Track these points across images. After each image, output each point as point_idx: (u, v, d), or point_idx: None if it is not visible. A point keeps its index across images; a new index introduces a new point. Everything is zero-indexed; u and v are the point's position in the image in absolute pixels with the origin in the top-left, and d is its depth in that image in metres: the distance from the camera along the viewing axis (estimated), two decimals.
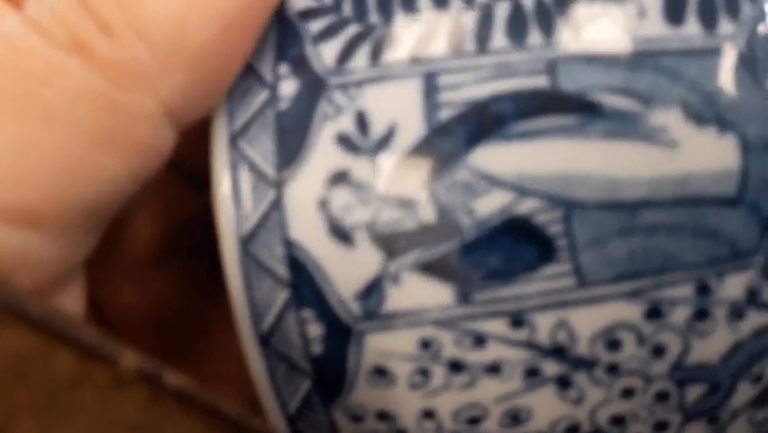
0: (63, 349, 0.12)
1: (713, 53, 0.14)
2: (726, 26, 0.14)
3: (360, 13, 0.15)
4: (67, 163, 0.14)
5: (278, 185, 0.15)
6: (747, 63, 0.14)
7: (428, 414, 0.15)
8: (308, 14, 0.16)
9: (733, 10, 0.14)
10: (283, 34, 0.16)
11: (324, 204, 0.15)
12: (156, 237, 0.18)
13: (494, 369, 0.15)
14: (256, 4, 0.15)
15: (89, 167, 0.14)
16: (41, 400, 0.12)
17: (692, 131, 0.14)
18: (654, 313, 0.14)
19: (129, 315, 0.18)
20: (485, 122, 0.14)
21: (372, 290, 0.15)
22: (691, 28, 0.14)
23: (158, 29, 0.14)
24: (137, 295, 0.18)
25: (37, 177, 0.14)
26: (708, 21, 0.14)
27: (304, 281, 0.15)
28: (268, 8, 0.15)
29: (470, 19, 0.15)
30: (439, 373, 0.15)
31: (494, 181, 0.14)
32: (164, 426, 0.13)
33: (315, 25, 0.15)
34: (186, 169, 0.18)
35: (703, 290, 0.14)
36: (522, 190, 0.14)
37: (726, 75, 0.14)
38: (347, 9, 0.15)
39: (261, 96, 0.15)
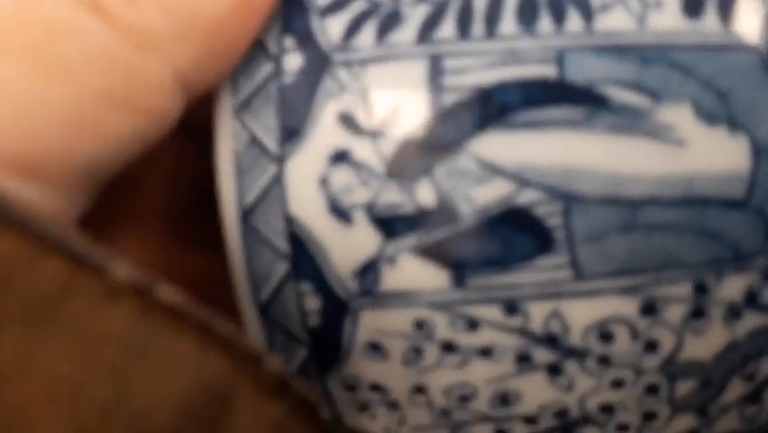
0: (51, 256, 0.12)
1: (731, 50, 0.14)
2: (747, 21, 0.14)
3: None
4: (75, 120, 0.14)
5: (280, 160, 0.15)
6: (767, 62, 0.14)
7: (420, 389, 0.15)
8: None
9: (756, 3, 0.14)
10: (289, 4, 0.15)
11: (324, 182, 0.15)
12: (165, 194, 0.18)
13: (486, 352, 0.15)
14: None
15: (96, 126, 0.14)
16: (27, 310, 0.11)
17: (702, 130, 0.14)
18: (650, 309, 0.14)
19: None
20: (490, 109, 0.14)
21: (369, 270, 0.15)
22: (710, 22, 0.14)
23: None
24: (143, 253, 0.18)
25: (44, 130, 0.14)
26: (729, 15, 0.14)
27: (303, 256, 0.15)
28: None
29: (480, 0, 0.14)
30: (432, 352, 0.15)
31: (495, 170, 0.14)
32: (155, 342, 0.12)
33: None
34: (196, 129, 0.18)
35: (701, 289, 0.14)
36: (523, 181, 0.14)
37: (742, 74, 0.14)
38: None
39: (266, 69, 0.15)
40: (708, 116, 0.14)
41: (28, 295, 0.11)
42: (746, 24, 0.14)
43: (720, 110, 0.14)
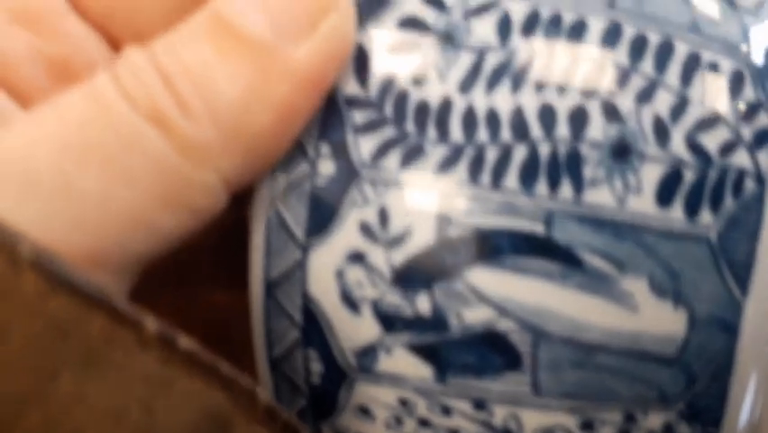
0: (99, 313, 0.14)
1: (687, 239, 0.17)
2: (706, 216, 0.16)
3: (398, 116, 0.17)
4: (134, 220, 0.16)
5: (305, 248, 0.18)
6: (714, 252, 0.16)
7: None
8: (353, 103, 0.17)
9: (716, 203, 0.16)
10: (328, 115, 0.17)
11: (340, 274, 0.18)
12: (211, 237, 0.19)
13: (454, 432, 0.18)
14: (309, 93, 0.17)
15: (152, 224, 0.16)
16: (81, 357, 0.14)
17: (653, 300, 0.16)
18: (588, 426, 0.17)
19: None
20: (485, 248, 0.17)
21: (368, 352, 0.18)
22: (676, 212, 0.16)
23: (226, 111, 0.16)
24: (190, 294, 0.20)
25: (109, 228, 0.16)
26: (692, 209, 0.16)
27: (314, 329, 0.18)
28: (320, 95, 0.17)
29: (491, 155, 0.17)
30: (410, 425, 0.18)
31: (483, 298, 0.17)
32: (175, 381, 0.15)
33: (359, 117, 0.17)
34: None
35: (630, 418, 0.17)
36: (504, 312, 0.17)
37: (692, 260, 0.16)
38: (388, 109, 0.17)
39: (302, 169, 0.17)
40: (659, 290, 0.16)
41: (81, 344, 0.14)
42: (704, 220, 0.17)
43: (670, 287, 0.16)
